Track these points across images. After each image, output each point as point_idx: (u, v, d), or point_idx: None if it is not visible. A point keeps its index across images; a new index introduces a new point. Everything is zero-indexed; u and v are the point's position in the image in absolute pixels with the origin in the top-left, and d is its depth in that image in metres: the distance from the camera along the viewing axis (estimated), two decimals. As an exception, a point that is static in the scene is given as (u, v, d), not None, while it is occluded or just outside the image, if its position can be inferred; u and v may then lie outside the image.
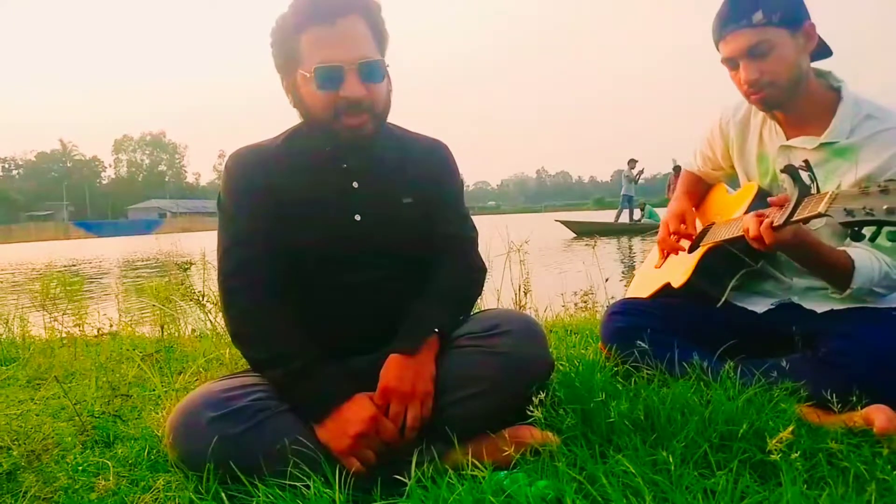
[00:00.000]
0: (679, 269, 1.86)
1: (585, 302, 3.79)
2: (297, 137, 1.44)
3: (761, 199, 1.67)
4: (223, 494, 1.12)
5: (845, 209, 1.16)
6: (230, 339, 1.42)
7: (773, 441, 0.96)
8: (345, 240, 1.37)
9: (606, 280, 3.74)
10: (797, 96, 1.57)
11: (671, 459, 1.00)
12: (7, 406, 2.11)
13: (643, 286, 2.00)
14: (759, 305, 1.73)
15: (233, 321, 1.37)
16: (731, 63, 1.56)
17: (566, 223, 14.66)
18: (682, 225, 1.90)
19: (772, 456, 0.99)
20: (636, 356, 1.60)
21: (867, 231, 1.17)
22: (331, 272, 1.38)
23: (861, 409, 1.32)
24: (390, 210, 1.41)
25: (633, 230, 13.12)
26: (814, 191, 1.34)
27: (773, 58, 1.50)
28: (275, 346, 1.30)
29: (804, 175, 1.39)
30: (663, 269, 1.98)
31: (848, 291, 1.49)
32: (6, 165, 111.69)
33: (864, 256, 1.47)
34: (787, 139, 1.64)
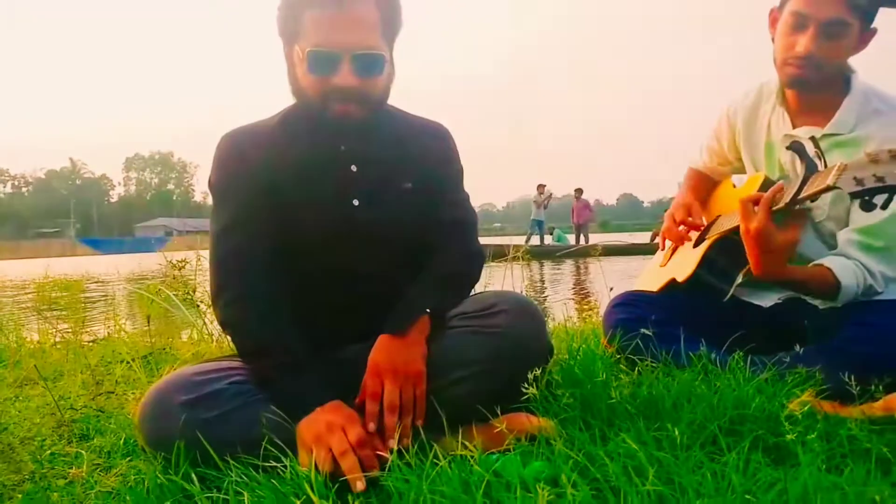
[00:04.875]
0: (684, 264, 1.80)
1: (589, 315, 3.73)
2: (292, 118, 1.38)
3: (768, 189, 1.61)
4: (194, 475, 1.04)
5: (854, 178, 1.11)
6: (220, 327, 1.36)
7: (789, 406, 0.88)
8: (343, 225, 1.32)
9: (611, 289, 3.67)
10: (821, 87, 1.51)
11: (677, 436, 0.92)
12: (-11, 402, 2.05)
13: (648, 283, 1.93)
14: (766, 300, 1.66)
15: (223, 309, 1.30)
16: (801, 21, 1.42)
17: None
18: (689, 217, 1.83)
19: (787, 437, 0.92)
20: (640, 346, 1.52)
21: (878, 200, 1.11)
22: (327, 258, 1.32)
23: (880, 398, 1.24)
24: (390, 195, 1.36)
25: (543, 253, 13.30)
26: (821, 168, 1.29)
27: (839, 43, 1.43)
28: (262, 339, 1.24)
29: (811, 151, 1.33)
30: (668, 266, 1.91)
31: (830, 305, 1.46)
32: (16, 183, 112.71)
33: (849, 273, 1.41)
34: (794, 128, 1.58)
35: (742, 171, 1.83)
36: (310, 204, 1.32)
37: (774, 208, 1.33)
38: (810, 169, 1.26)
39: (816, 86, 1.50)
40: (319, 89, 1.25)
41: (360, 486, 1.01)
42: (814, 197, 1.24)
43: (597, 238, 18.63)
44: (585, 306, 3.77)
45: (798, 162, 1.32)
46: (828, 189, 1.17)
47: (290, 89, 1.33)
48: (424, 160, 1.41)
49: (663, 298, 1.74)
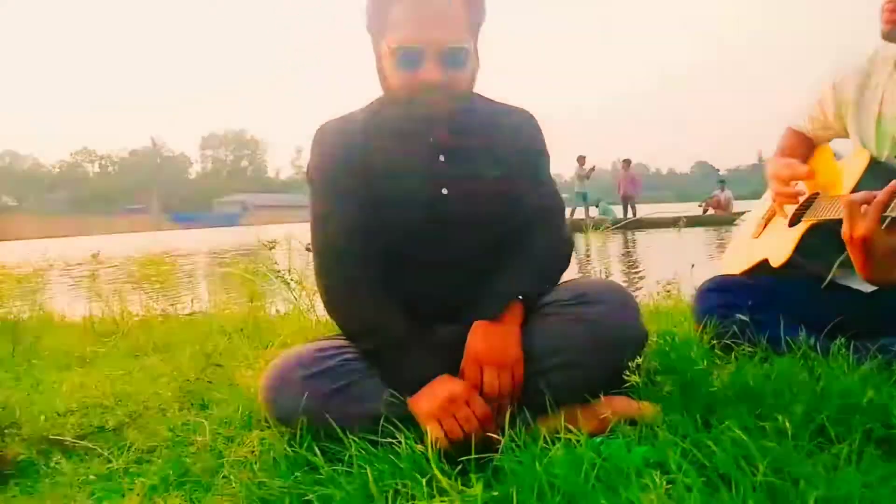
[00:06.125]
0: (778, 245, 1.74)
1: (669, 291, 3.64)
2: (381, 110, 1.43)
3: (872, 173, 1.52)
4: (316, 448, 1.13)
5: None
6: (325, 309, 1.44)
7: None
8: (433, 214, 1.36)
9: (693, 266, 3.57)
10: None
11: (788, 425, 0.93)
12: (110, 371, 2.24)
13: (737, 262, 1.88)
14: (867, 285, 1.59)
15: (328, 292, 1.39)
16: None
17: None
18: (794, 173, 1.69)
19: (900, 430, 0.90)
20: (736, 332, 1.50)
21: None
22: (418, 246, 1.37)
23: None
24: (478, 184, 1.39)
25: (622, 226, 12.74)
26: None
27: None
28: (368, 319, 1.31)
29: None
30: (760, 243, 1.85)
31: None
32: (103, 163, 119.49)
33: None
34: None
35: (846, 135, 1.73)
36: (400, 194, 1.37)
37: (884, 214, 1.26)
38: None
39: None
40: (406, 84, 1.29)
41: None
42: None
43: (651, 209, 17.84)
44: (662, 283, 3.68)
45: None
46: None
47: (379, 81, 1.37)
48: (511, 147, 1.42)
49: (757, 283, 1.69)
